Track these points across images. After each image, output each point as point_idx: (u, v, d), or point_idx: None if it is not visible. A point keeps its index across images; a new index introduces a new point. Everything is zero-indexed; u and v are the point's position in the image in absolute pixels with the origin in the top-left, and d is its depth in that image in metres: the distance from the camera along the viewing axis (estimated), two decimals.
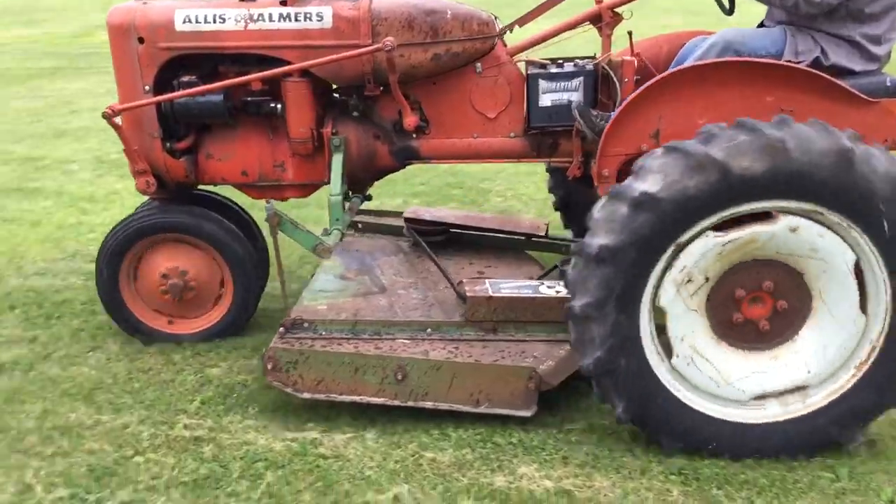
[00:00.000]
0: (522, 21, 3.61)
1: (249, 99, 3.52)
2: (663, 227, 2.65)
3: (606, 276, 2.71)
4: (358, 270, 4.04)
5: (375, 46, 3.22)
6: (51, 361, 3.84)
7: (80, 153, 7.71)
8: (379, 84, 3.44)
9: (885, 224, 2.62)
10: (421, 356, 3.20)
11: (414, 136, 3.58)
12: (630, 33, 3.54)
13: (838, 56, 3.10)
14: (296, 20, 3.33)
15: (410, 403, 3.20)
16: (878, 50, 3.11)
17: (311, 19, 3.32)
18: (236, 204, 4.18)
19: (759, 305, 2.87)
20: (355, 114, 3.57)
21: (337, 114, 3.60)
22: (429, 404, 3.20)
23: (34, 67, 13.09)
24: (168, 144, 3.61)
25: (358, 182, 3.75)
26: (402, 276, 3.99)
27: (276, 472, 3.00)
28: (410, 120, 3.45)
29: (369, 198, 3.97)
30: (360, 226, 4.51)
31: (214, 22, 3.36)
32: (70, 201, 6.24)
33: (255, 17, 3.34)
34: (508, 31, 3.60)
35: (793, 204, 2.65)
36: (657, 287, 2.77)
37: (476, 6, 3.52)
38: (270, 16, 3.34)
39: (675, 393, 2.88)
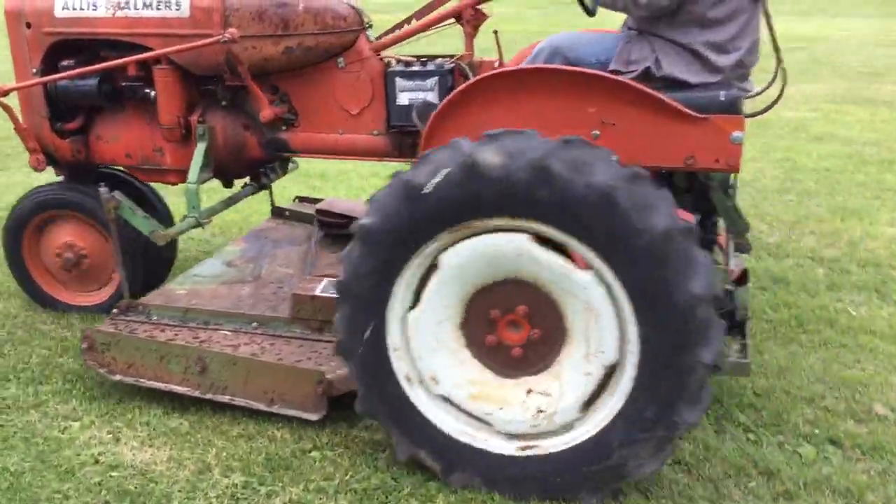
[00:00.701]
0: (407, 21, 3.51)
1: (125, 84, 3.58)
2: (403, 238, 2.56)
3: (344, 315, 2.68)
4: (250, 258, 4.08)
5: (216, 38, 3.18)
6: None
7: None
8: (238, 75, 3.37)
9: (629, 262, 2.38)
10: (221, 350, 3.20)
11: (284, 128, 3.52)
12: (496, 32, 3.48)
13: (673, 66, 2.75)
14: (157, 8, 3.37)
15: (209, 396, 3.21)
16: (721, 60, 2.74)
17: (170, 7, 3.35)
18: (147, 185, 4.12)
19: (515, 332, 2.66)
20: (224, 103, 3.54)
21: (207, 103, 3.57)
22: (226, 398, 3.20)
23: None
24: (58, 125, 3.73)
25: (230, 172, 3.77)
26: (287, 267, 3.96)
27: (449, 496, 2.76)
28: (267, 112, 3.39)
29: (264, 187, 4.12)
30: (287, 213, 4.59)
31: (88, 9, 3.47)
32: (305, 177, 6.43)
33: (122, 5, 3.41)
34: (369, 26, 3.45)
35: (546, 229, 2.45)
36: (413, 295, 2.65)
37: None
38: (135, 3, 3.39)
39: (437, 422, 2.72)
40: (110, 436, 3.15)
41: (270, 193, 4.50)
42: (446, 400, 2.74)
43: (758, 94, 3.03)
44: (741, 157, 2.66)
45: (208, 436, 3.13)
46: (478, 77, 2.81)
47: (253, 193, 4.16)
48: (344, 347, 2.74)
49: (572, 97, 2.67)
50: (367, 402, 2.79)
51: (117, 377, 3.33)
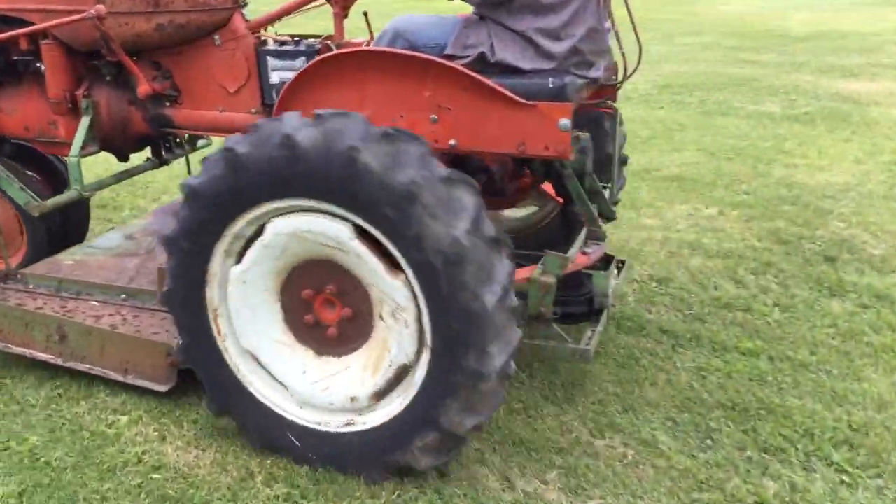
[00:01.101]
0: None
1: (17, 59, 3.58)
2: (215, 211, 2.61)
3: (172, 266, 2.76)
4: (151, 232, 4.09)
5: (84, 14, 3.11)
6: None
7: None
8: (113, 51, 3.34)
9: (401, 225, 2.38)
10: (83, 320, 3.28)
11: (167, 104, 3.51)
12: (365, 13, 3.51)
13: (506, 52, 2.75)
14: None
15: (70, 364, 3.29)
16: (555, 47, 2.74)
17: None
18: (57, 158, 4.02)
19: (330, 311, 2.71)
20: (108, 79, 3.52)
21: (93, 78, 3.55)
22: (85, 367, 3.27)
23: None
24: None
25: (118, 147, 3.74)
26: None
27: None
28: (144, 88, 3.37)
29: (166, 163, 4.01)
30: None
31: None
32: None
33: None
34: (244, 5, 3.43)
35: (320, 205, 2.48)
36: (235, 258, 2.71)
37: None
38: None
39: (255, 393, 2.82)
40: (156, 433, 3.05)
41: (188, 168, 4.29)
42: (259, 364, 2.82)
43: (619, 83, 3.17)
44: (570, 145, 2.65)
45: None
46: (321, 57, 2.84)
47: (153, 168, 4.09)
48: (168, 297, 2.82)
49: (409, 81, 2.71)
50: (188, 353, 2.89)
51: None
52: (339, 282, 2.64)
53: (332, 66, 2.80)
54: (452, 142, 2.74)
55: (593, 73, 2.87)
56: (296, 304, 2.73)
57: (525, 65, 2.74)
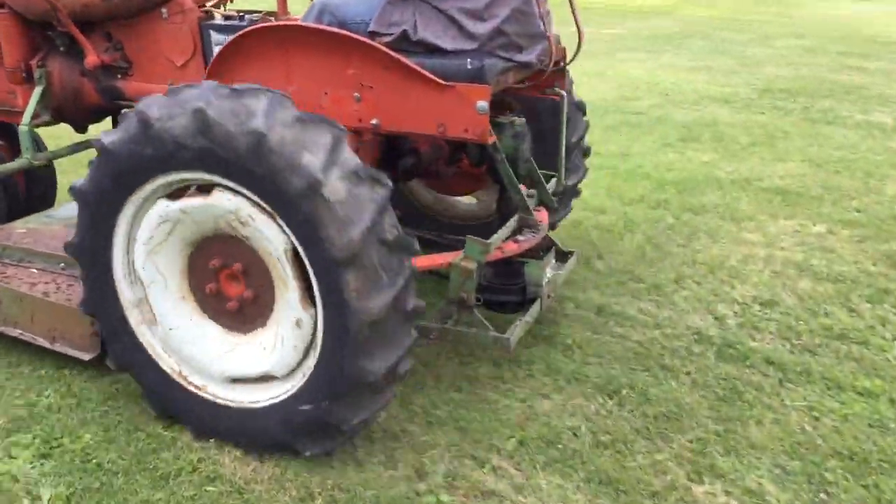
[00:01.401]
0: None
1: None
2: (120, 179, 2.55)
3: (81, 219, 2.69)
4: None
5: None
6: None
7: None
8: (72, 22, 3.35)
9: (299, 220, 2.32)
10: (17, 287, 3.29)
11: (119, 76, 3.49)
12: None
13: (428, 31, 2.69)
14: None
15: (4, 329, 3.33)
16: (477, 27, 2.68)
17: None
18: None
19: (234, 285, 2.67)
20: (62, 49, 3.51)
21: (48, 48, 3.55)
22: (16, 333, 3.31)
23: None
24: None
25: (73, 118, 3.71)
26: None
27: None
28: (91, 59, 3.39)
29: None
30: None
31: None
32: None
33: None
34: None
35: (218, 179, 2.42)
36: (131, 242, 2.68)
37: None
38: None
39: (156, 358, 2.79)
40: (214, 440, 2.85)
41: None
42: (159, 328, 2.78)
43: (564, 66, 3.22)
44: (487, 128, 2.60)
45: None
46: (244, 31, 2.77)
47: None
48: (75, 248, 2.76)
49: (333, 58, 2.66)
50: (89, 304, 2.85)
51: None
52: (246, 262, 2.60)
53: (256, 40, 2.75)
54: (375, 121, 2.71)
55: (524, 57, 2.79)
56: (201, 273, 2.70)
57: (447, 44, 2.67)
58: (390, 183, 2.44)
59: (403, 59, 2.60)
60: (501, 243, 3.01)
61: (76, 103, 3.61)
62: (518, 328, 2.96)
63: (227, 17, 3.36)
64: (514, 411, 3.03)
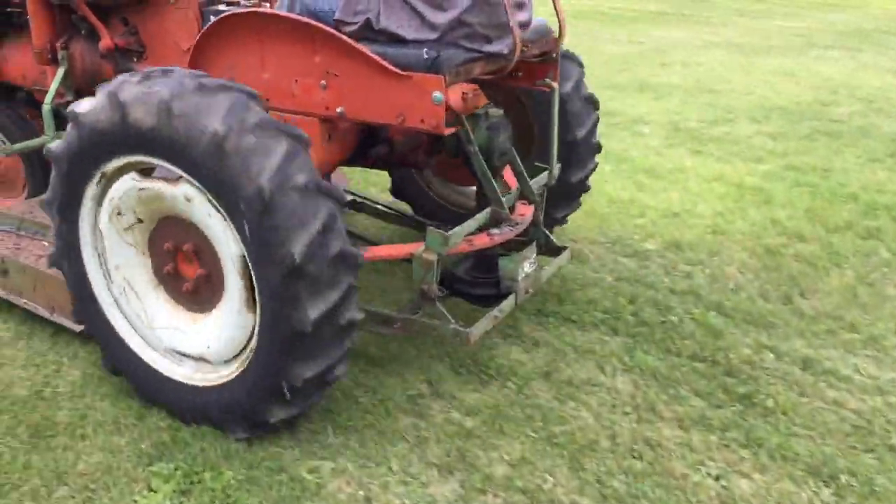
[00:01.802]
0: None
1: (11, 10, 3.84)
2: (87, 150, 2.62)
3: (54, 179, 2.76)
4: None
5: None
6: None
7: (655, 114, 6.97)
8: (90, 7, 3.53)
9: (246, 225, 2.37)
10: (24, 258, 3.43)
11: (134, 59, 3.59)
12: None
13: (391, 21, 2.68)
14: None
15: (11, 298, 3.47)
16: (437, 17, 2.65)
17: None
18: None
19: (189, 266, 2.72)
20: (83, 32, 3.66)
21: (71, 32, 3.69)
22: (21, 302, 3.44)
23: (640, 10, 12.84)
24: None
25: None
26: None
27: None
28: (105, 42, 3.54)
29: None
30: None
31: None
32: (629, 171, 5.51)
33: None
34: None
35: (179, 171, 2.48)
36: (97, 208, 2.76)
37: None
38: None
39: (110, 318, 2.88)
40: (362, 493, 2.55)
41: None
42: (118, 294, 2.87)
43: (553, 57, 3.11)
44: (443, 119, 2.60)
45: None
46: (222, 16, 2.83)
47: None
48: (48, 205, 2.83)
49: (301, 46, 2.71)
50: (55, 258, 2.94)
51: None
52: (196, 242, 2.65)
53: (233, 27, 2.81)
54: (340, 109, 2.74)
55: (492, 48, 2.72)
56: (160, 253, 2.78)
57: (408, 34, 2.69)
58: (344, 197, 2.53)
59: (362, 49, 2.63)
60: (472, 236, 2.96)
61: (95, 84, 3.69)
62: (483, 322, 2.89)
63: (228, 4, 3.42)
64: (706, 491, 2.56)
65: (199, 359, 2.77)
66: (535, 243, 3.19)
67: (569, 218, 4.08)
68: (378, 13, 2.71)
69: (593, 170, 3.86)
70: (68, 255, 2.89)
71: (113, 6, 3.54)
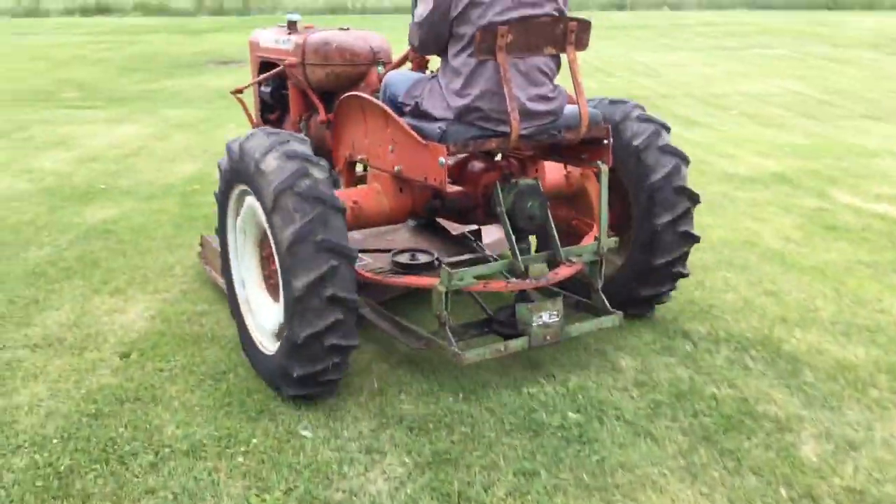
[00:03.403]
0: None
1: (283, 92, 4.89)
2: (226, 176, 3.53)
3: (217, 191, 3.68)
4: None
5: (287, 61, 4.56)
6: None
7: None
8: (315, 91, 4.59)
9: (277, 255, 3.19)
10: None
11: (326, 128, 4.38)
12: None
13: (427, 103, 3.41)
14: (280, 43, 4.69)
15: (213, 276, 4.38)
16: (455, 101, 3.31)
17: (285, 44, 4.63)
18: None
19: (272, 264, 3.39)
20: (315, 109, 4.60)
21: (310, 109, 4.70)
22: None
23: None
24: (264, 115, 5.12)
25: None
26: None
27: None
28: (321, 116, 4.46)
29: None
30: None
31: (269, 43, 4.86)
32: None
33: (275, 41, 4.76)
34: (382, 63, 4.45)
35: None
36: (235, 218, 3.65)
37: None
38: (277, 41, 4.72)
39: (245, 313, 3.64)
40: None
41: None
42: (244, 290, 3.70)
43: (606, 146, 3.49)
44: (445, 179, 3.24)
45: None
46: (342, 97, 3.84)
47: None
48: (217, 196, 3.68)
49: (381, 121, 3.56)
50: (223, 267, 3.84)
51: (207, 268, 4.56)
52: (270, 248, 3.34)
53: (348, 106, 3.80)
54: (397, 168, 3.48)
55: (502, 128, 3.27)
56: (263, 258, 3.60)
57: (437, 114, 3.35)
58: (354, 255, 3.11)
59: (404, 124, 3.40)
60: (490, 280, 3.45)
61: (322, 148, 4.37)
62: (482, 350, 3.29)
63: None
64: None
65: (273, 334, 3.47)
66: (561, 297, 3.52)
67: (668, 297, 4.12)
68: (423, 98, 3.42)
69: (682, 257, 3.90)
70: (225, 260, 3.76)
71: (334, 90, 4.43)
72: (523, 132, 3.26)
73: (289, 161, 3.12)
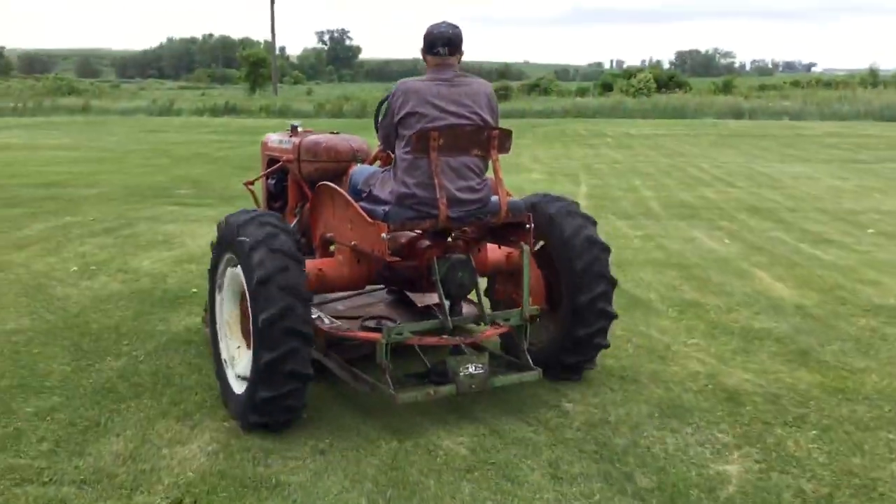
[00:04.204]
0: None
1: (284, 184, 5.41)
2: (219, 243, 4.20)
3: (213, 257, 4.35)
4: None
5: (285, 158, 5.19)
6: None
7: None
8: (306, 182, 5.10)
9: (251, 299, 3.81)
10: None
11: None
12: None
13: (379, 189, 4.17)
14: (283, 143, 5.21)
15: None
16: (397, 188, 3.99)
17: (285, 144, 5.18)
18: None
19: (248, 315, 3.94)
20: (306, 198, 5.05)
21: (303, 197, 5.04)
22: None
23: None
24: (272, 203, 5.50)
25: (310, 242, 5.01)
26: None
27: None
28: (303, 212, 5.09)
29: None
30: None
31: (274, 143, 5.36)
32: None
33: (277, 142, 5.33)
34: (361, 160, 4.92)
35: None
36: (223, 280, 4.29)
37: None
38: (279, 142, 5.27)
39: (223, 358, 4.26)
40: None
41: None
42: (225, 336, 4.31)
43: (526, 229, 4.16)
44: (386, 250, 3.86)
45: None
46: (317, 186, 4.56)
47: None
48: (209, 272, 4.33)
49: (342, 204, 4.24)
50: (209, 317, 4.47)
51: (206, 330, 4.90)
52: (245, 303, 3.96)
53: (321, 193, 4.51)
54: (353, 242, 4.14)
55: (430, 212, 3.92)
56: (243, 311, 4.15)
57: (385, 197, 4.05)
58: (308, 298, 3.78)
59: (357, 206, 4.07)
60: (426, 336, 3.98)
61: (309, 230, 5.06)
62: (414, 393, 3.82)
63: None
64: None
65: (243, 377, 4.00)
66: (486, 353, 4.18)
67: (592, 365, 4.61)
68: (376, 186, 4.21)
69: (601, 330, 4.41)
70: (212, 300, 4.34)
71: (313, 182, 4.84)
72: (452, 215, 3.93)
73: (279, 258, 3.74)
